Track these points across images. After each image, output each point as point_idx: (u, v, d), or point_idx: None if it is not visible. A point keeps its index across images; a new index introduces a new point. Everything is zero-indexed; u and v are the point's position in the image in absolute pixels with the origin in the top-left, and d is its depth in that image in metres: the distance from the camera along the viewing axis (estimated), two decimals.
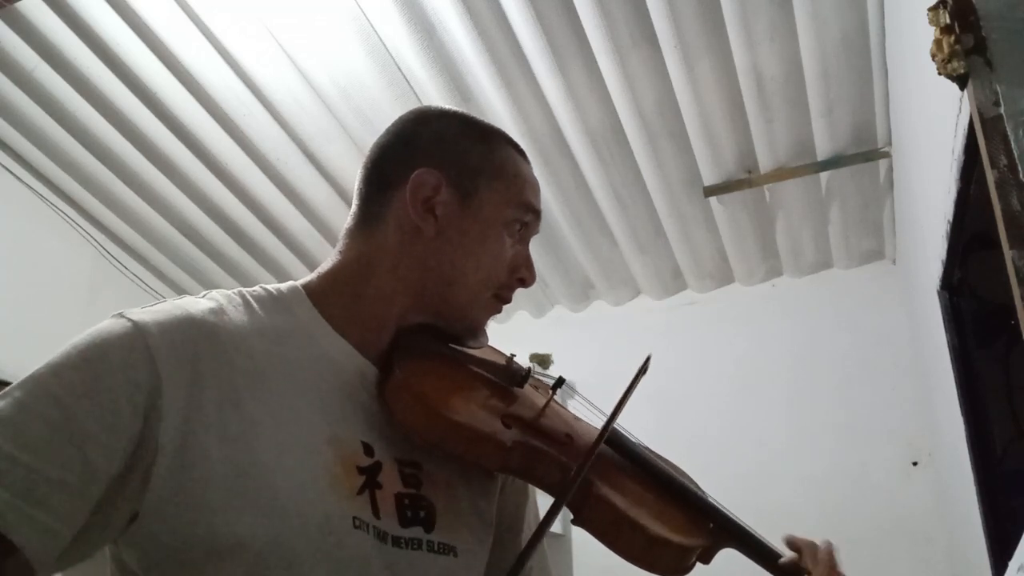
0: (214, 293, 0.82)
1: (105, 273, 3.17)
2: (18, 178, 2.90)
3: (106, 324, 0.74)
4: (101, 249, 3.16)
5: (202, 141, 2.76)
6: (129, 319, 0.73)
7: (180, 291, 3.35)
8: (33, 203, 2.95)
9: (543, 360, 3.15)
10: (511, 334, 3.17)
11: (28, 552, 0.63)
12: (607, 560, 0.87)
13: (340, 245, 0.89)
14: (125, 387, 0.69)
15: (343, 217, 0.92)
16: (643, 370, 0.92)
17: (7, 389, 0.69)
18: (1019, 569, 1.29)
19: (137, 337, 0.72)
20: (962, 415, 1.74)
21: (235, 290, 0.84)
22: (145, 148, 2.79)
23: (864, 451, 2.75)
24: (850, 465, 2.75)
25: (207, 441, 0.70)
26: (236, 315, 0.80)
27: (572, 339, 3.27)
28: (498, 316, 0.93)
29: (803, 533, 0.90)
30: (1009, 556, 1.38)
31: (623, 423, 0.92)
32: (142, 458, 0.68)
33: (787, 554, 0.87)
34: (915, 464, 2.70)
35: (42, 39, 2.48)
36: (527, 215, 0.90)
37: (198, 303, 0.79)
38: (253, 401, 0.74)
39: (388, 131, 0.92)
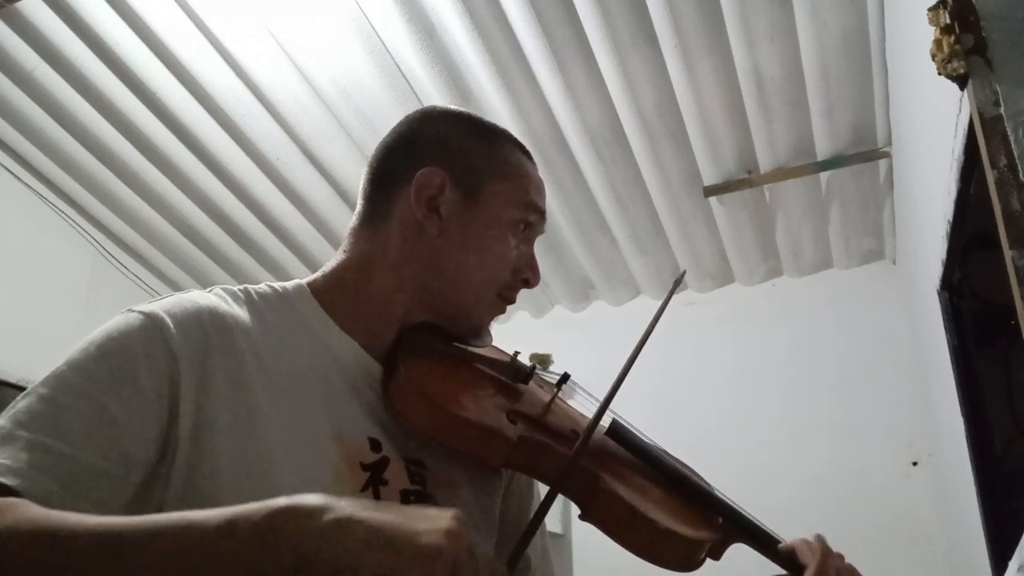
0: (218, 289, 0.82)
1: (105, 273, 3.17)
2: (18, 178, 2.90)
3: (119, 319, 0.73)
4: (101, 249, 3.16)
5: (202, 141, 2.76)
6: (141, 312, 0.73)
7: (180, 291, 3.35)
8: (33, 203, 2.95)
9: (543, 360, 3.14)
10: (511, 334, 3.15)
11: None
12: (607, 560, 0.87)
13: (345, 244, 0.88)
14: (149, 377, 0.69)
15: (343, 217, 0.92)
16: (678, 282, 0.91)
17: (29, 389, 0.68)
18: (1019, 569, 1.29)
19: (153, 328, 0.72)
20: (962, 415, 1.74)
21: (240, 287, 0.84)
22: (145, 148, 2.79)
23: (864, 451, 2.75)
24: (850, 465, 2.75)
25: (214, 437, 0.70)
26: (241, 312, 0.80)
27: (572, 339, 3.27)
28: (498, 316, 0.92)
29: (803, 533, 0.90)
30: (1009, 556, 1.38)
31: (627, 420, 0.92)
32: (167, 450, 0.69)
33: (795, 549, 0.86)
34: (915, 464, 2.70)
35: (42, 39, 2.48)
36: (531, 215, 0.89)
37: (206, 296, 0.79)
38: (259, 398, 0.74)
39: (393, 131, 0.92)
